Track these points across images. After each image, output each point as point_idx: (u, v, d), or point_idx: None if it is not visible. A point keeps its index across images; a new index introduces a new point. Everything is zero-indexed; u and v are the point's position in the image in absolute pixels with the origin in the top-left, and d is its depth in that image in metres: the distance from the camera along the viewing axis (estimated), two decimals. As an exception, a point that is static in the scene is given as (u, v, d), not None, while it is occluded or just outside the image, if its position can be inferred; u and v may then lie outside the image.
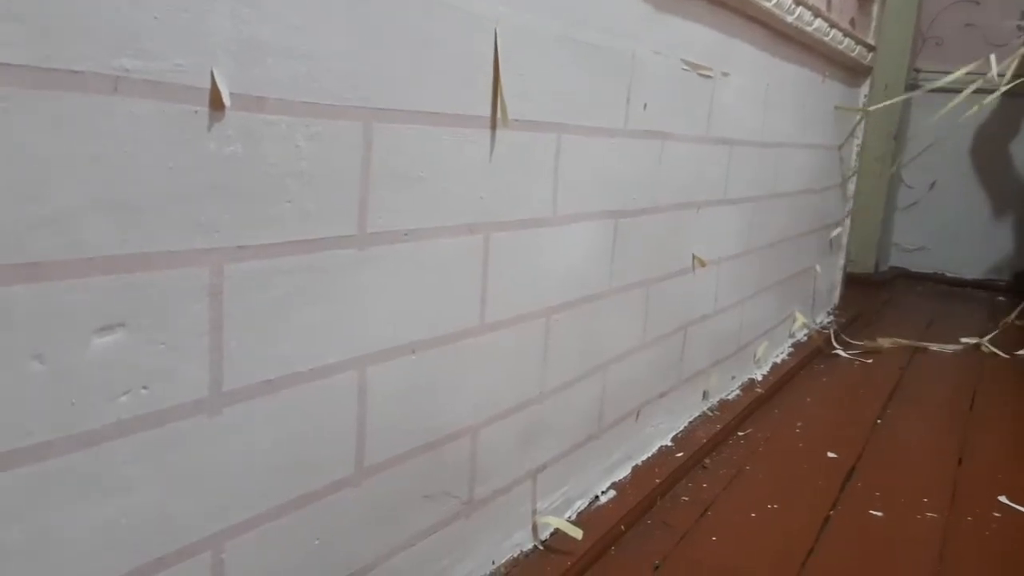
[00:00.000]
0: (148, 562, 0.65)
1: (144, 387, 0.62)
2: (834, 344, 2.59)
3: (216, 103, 0.63)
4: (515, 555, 1.21)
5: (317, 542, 0.83)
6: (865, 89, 2.82)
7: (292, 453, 0.78)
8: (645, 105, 1.32)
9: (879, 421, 1.98)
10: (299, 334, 0.76)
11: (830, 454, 1.75)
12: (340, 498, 0.85)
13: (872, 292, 2.86)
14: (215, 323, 0.67)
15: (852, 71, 2.61)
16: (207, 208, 0.65)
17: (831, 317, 2.91)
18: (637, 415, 1.54)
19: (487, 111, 0.95)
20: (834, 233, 2.80)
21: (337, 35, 0.74)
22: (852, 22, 2.42)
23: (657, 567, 1.26)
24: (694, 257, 1.64)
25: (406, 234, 0.87)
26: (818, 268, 2.66)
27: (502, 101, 0.96)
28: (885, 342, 2.64)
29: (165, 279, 0.62)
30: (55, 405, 0.56)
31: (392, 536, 0.94)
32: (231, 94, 0.64)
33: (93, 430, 0.59)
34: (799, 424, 1.93)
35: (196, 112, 0.62)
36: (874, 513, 1.48)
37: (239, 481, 0.72)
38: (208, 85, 0.63)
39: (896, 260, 4.10)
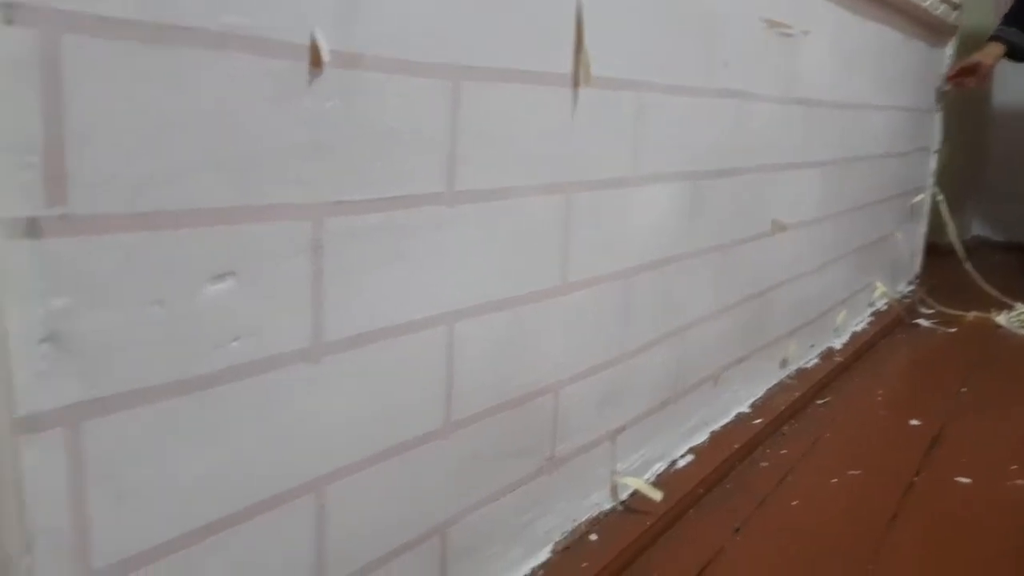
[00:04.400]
0: (257, 502, 0.68)
1: (252, 335, 0.65)
2: (916, 313, 2.52)
3: (315, 60, 0.65)
4: (595, 514, 1.22)
5: (409, 492, 0.86)
6: (949, 49, 2.72)
7: (386, 404, 0.80)
8: (726, 63, 1.30)
9: (964, 390, 1.93)
10: (392, 288, 0.78)
11: (913, 422, 1.71)
12: (430, 450, 0.88)
13: (954, 261, 2.77)
14: (316, 275, 0.70)
15: (936, 30, 2.52)
16: (307, 163, 0.67)
17: (912, 286, 2.83)
18: (715, 381, 1.54)
19: (569, 69, 0.96)
20: (915, 199, 2.72)
21: (426, -6, 0.76)
22: (937, -21, 2.33)
23: (737, 530, 1.26)
24: (773, 221, 1.62)
25: (492, 192, 0.88)
26: (899, 235, 2.59)
27: (584, 59, 0.96)
28: (968, 312, 2.56)
29: (270, 231, 0.65)
30: (174, 349, 0.59)
31: (478, 489, 0.97)
32: (330, 51, 0.66)
33: (207, 374, 0.62)
34: (880, 392, 1.90)
35: (296, 68, 0.64)
36: (960, 480, 1.45)
37: (338, 429, 0.75)
38: (308, 42, 0.65)
39: (979, 229, 3.96)
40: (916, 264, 2.94)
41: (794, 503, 1.35)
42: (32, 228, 0.50)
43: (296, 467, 0.72)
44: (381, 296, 0.77)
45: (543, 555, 1.10)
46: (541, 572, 1.08)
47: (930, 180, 2.86)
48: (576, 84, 0.97)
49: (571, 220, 1.02)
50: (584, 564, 1.09)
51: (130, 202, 0.55)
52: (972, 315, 2.53)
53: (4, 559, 0.48)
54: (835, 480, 1.44)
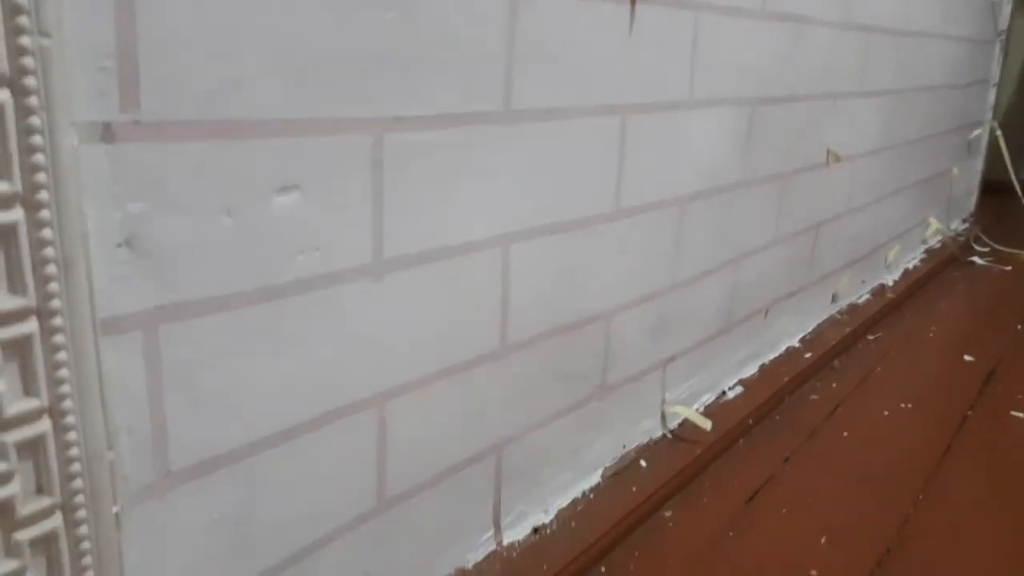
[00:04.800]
0: (322, 414, 0.70)
1: (317, 248, 0.66)
2: (970, 251, 2.47)
3: (377, -30, 0.65)
4: (644, 442, 1.23)
5: (465, 412, 0.87)
6: (1015, -24, 2.60)
7: (444, 324, 0.81)
8: (784, -14, 1.26)
9: (1020, 327, 1.89)
10: (450, 208, 0.78)
11: (967, 357, 1.69)
12: (486, 371, 0.89)
13: (1011, 199, 2.69)
14: (377, 191, 0.70)
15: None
16: (367, 77, 0.67)
17: (966, 224, 2.76)
18: (766, 313, 1.52)
19: (627, -12, 0.94)
20: (973, 134, 2.64)
21: (485, -95, 0.74)
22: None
23: (787, 460, 1.27)
24: (829, 151, 1.58)
25: (547, 111, 0.87)
26: (955, 171, 2.52)
27: (642, -23, 0.94)
28: (1026, 250, 2.50)
29: (332, 145, 0.65)
30: (243, 258, 0.60)
31: (531, 412, 0.98)
32: (391, -40, 0.65)
33: (275, 285, 0.63)
34: (933, 329, 1.87)
35: (359, -21, 0.64)
36: (1016, 414, 1.43)
37: (400, 346, 0.76)
38: (369, -48, 0.64)
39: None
40: (971, 201, 2.86)
41: (844, 435, 1.35)
42: (107, 133, 0.50)
43: (359, 382, 0.73)
44: (438, 215, 0.77)
45: (593, 479, 1.12)
46: (591, 495, 1.09)
47: (988, 115, 2.77)
48: (633, 1, 0.95)
49: (626, 143, 1.01)
50: (634, 489, 1.11)
51: (201, 110, 0.55)
52: (1029, 253, 2.48)
53: (92, 454, 0.50)
54: (886, 413, 1.43)
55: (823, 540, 1.05)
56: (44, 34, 0.44)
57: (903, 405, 1.46)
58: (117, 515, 0.52)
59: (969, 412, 1.44)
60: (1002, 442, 1.33)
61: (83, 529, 0.50)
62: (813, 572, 0.98)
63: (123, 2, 0.50)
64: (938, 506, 1.13)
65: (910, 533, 1.06)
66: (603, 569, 0.98)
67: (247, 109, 0.58)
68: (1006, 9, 2.63)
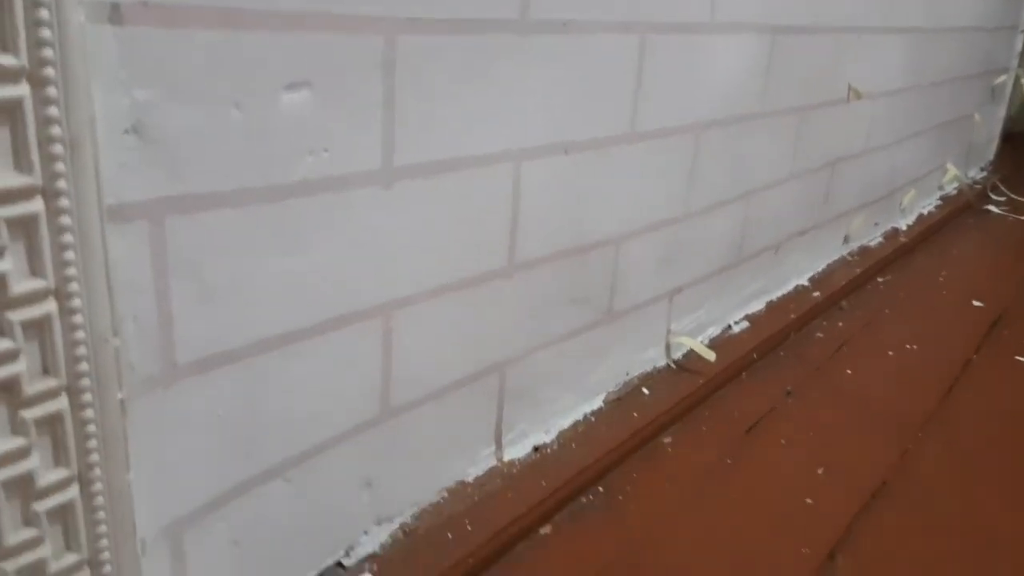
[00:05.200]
0: (328, 319, 0.70)
1: (326, 150, 0.65)
2: (986, 200, 2.44)
3: None
4: (648, 370, 1.24)
5: (471, 328, 0.87)
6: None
7: (454, 237, 0.81)
8: (815, -91, 1.22)
9: (1032, 276, 1.88)
10: (462, 119, 0.77)
11: (976, 303, 1.68)
12: (493, 288, 0.88)
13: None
14: (388, 95, 0.69)
15: None
16: (383, -25, 0.65)
17: (985, 172, 2.72)
18: (776, 250, 1.51)
19: (653, -101, 0.91)
20: (998, 80, 2.58)
21: None
22: None
23: (789, 393, 1.27)
24: (850, 87, 1.55)
25: (564, 24, 0.85)
26: (977, 117, 2.48)
27: None
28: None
29: (345, 44, 0.64)
30: (250, 154, 0.59)
31: (537, 332, 0.98)
32: None
33: (282, 184, 0.62)
34: (943, 274, 1.86)
35: None
36: (1020, 359, 1.43)
37: (407, 256, 0.76)
38: None
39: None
40: (991, 150, 2.82)
41: (848, 372, 1.35)
42: (115, 14, 0.49)
43: (366, 289, 0.73)
44: (451, 126, 0.76)
45: (595, 403, 1.13)
46: (593, 418, 1.10)
47: (1015, 62, 2.71)
48: (659, -85, 0.92)
49: (644, 64, 0.99)
50: (635, 414, 1.12)
51: (210, -3, 0.54)
52: (1046, 204, 2.45)
53: (98, 338, 0.50)
54: (891, 353, 1.43)
55: (820, 471, 1.06)
56: (49, -98, 0.42)
57: (909, 346, 1.46)
58: (122, 401, 0.53)
59: (974, 355, 1.44)
60: (1005, 385, 1.34)
61: (88, 412, 0.50)
62: (808, 501, 0.99)
63: None
64: (937, 443, 1.13)
65: (908, 468, 1.07)
66: (601, 489, 0.99)
67: (258, -1, 0.57)
68: (1042, -49, 2.55)
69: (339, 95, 0.65)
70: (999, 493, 1.03)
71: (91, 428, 0.51)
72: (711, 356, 1.27)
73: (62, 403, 0.49)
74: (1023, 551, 0.92)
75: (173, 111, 0.54)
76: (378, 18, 0.66)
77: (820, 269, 1.72)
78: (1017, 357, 1.44)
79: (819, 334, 1.50)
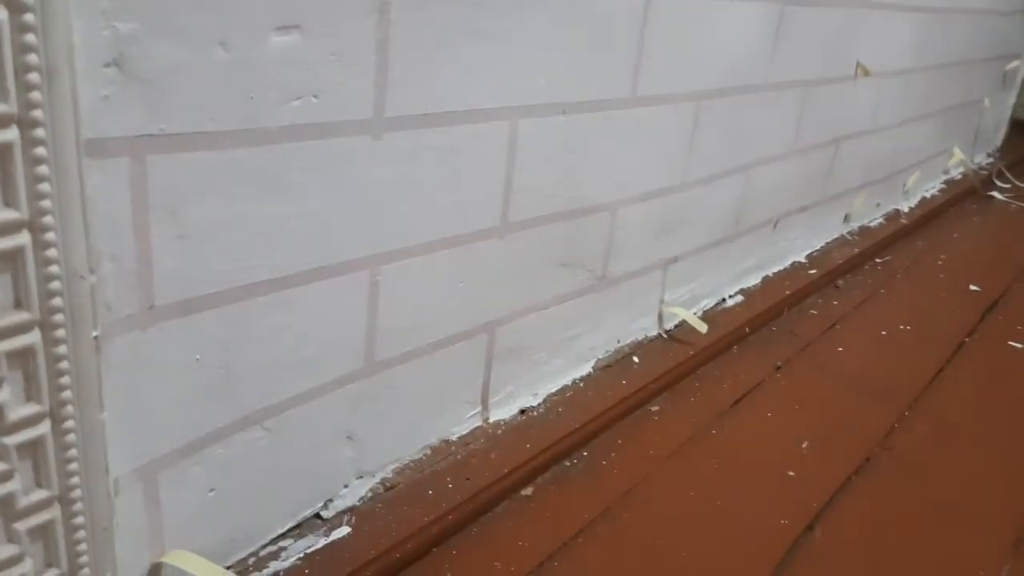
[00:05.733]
0: (312, 268, 0.69)
1: (315, 96, 0.64)
2: (991, 186, 2.42)
3: None
4: (639, 338, 1.23)
5: (461, 286, 0.86)
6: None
7: (445, 193, 0.80)
8: None
9: (1031, 263, 1.86)
10: (458, 71, 0.76)
11: (972, 287, 1.67)
12: (485, 247, 0.88)
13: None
14: (381, 43, 0.67)
15: None
16: (380, -82, 0.64)
17: (991, 158, 2.70)
18: (775, 225, 1.50)
19: None
20: (1010, 66, 2.55)
21: None
22: None
23: (778, 368, 1.27)
24: (858, 64, 1.53)
25: (568, -17, 0.84)
26: (986, 102, 2.45)
27: None
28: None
29: (338, -13, 0.62)
30: (236, 96, 0.58)
31: (528, 295, 0.97)
32: None
33: (268, 128, 0.61)
34: (942, 257, 1.85)
35: None
36: (1014, 344, 1.43)
37: (397, 211, 0.75)
38: None
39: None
40: (999, 136, 2.79)
41: (839, 349, 1.35)
42: (98, -59, 0.48)
43: (354, 240, 0.72)
44: (447, 77, 0.75)
45: (584, 369, 1.12)
46: (581, 384, 1.10)
47: (1030, 47, 2.68)
48: None
49: (648, 26, 0.97)
50: (623, 382, 1.11)
51: (197, -70, 0.53)
52: (1051, 192, 2.43)
53: (72, 273, 0.49)
54: (884, 333, 1.43)
55: (805, 445, 1.06)
56: None
57: (902, 327, 1.45)
58: (97, 339, 0.52)
59: (967, 339, 1.43)
60: (996, 369, 1.33)
61: (61, 348, 0.50)
62: (791, 473, 0.99)
63: None
64: (923, 423, 1.13)
65: (891, 445, 1.07)
66: (585, 453, 0.99)
67: (248, -65, 0.55)
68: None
69: (331, 40, 0.64)
70: (981, 474, 1.03)
71: (64, 364, 0.50)
72: (703, 328, 1.27)
73: (34, 337, 0.49)
74: (1002, 531, 0.92)
75: (156, 46, 0.53)
76: (373, -38, 0.65)
77: (819, 247, 1.71)
78: (1011, 342, 1.43)
79: (813, 311, 1.49)
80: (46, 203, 0.47)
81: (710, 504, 0.92)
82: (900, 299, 1.59)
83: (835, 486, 0.97)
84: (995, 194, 2.39)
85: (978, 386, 1.27)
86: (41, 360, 0.50)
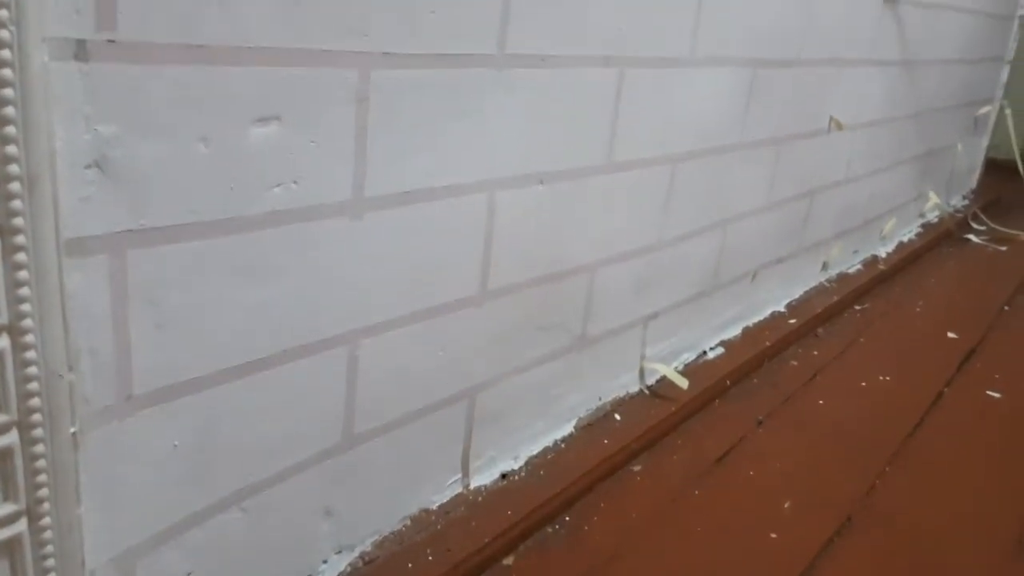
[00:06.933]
0: (292, 348, 0.70)
1: (294, 182, 0.65)
2: (967, 228, 2.46)
3: (371, -102, 0.63)
4: (621, 395, 1.24)
5: (440, 355, 0.87)
6: (1041, -50, 2.55)
7: (424, 266, 0.81)
8: (799, -55, 1.23)
9: (1006, 308, 1.89)
10: (436, 150, 0.77)
11: (950, 334, 1.69)
12: (464, 316, 0.88)
13: (1014, 179, 2.68)
14: (360, 128, 0.69)
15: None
16: (360, 10, 0.65)
17: (967, 201, 2.75)
18: (753, 277, 1.52)
19: (635, -65, 0.91)
20: (981, 111, 2.61)
21: None
22: None
23: (760, 422, 1.28)
24: (831, 119, 1.56)
25: (543, 59, 0.86)
26: (960, 147, 2.50)
27: (651, -75, 0.92)
28: (1022, 232, 2.48)
29: (318, 77, 0.64)
30: (217, 187, 0.59)
31: (509, 359, 0.98)
32: None
33: (249, 216, 0.62)
34: (920, 303, 1.87)
35: (352, -94, 0.62)
36: (991, 394, 1.44)
37: (376, 286, 0.76)
38: None
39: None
40: (973, 178, 2.85)
41: (820, 401, 1.36)
42: (80, 51, 0.49)
43: (332, 318, 0.73)
44: (426, 156, 0.77)
45: (566, 429, 1.13)
46: (563, 445, 1.10)
47: (999, 92, 2.74)
48: (640, -49, 0.92)
49: (622, 97, 0.99)
50: (606, 441, 1.12)
51: (181, 32, 0.54)
52: (1025, 234, 2.47)
53: (51, 373, 0.50)
54: (864, 384, 1.44)
55: (787, 505, 1.06)
56: (13, -58, 0.42)
57: (881, 377, 1.47)
58: (75, 435, 0.53)
59: (945, 389, 1.45)
60: (974, 420, 1.35)
61: (39, 448, 0.50)
62: (773, 535, 1.00)
63: (100, -86, 0.48)
64: (904, 479, 1.14)
65: (873, 503, 1.08)
66: (567, 518, 0.99)
67: (230, 34, 0.57)
68: (1029, -16, 2.58)
69: (311, 128, 0.65)
70: (961, 530, 1.04)
71: (41, 463, 0.51)
72: (684, 383, 1.28)
73: (12, 438, 0.49)
74: (981, 593, 0.93)
75: (138, 146, 0.54)
76: (352, 53, 0.66)
77: (797, 296, 1.73)
78: (988, 392, 1.45)
79: (793, 362, 1.51)
80: (26, 307, 0.48)
81: (694, 570, 0.92)
82: (879, 348, 1.61)
83: (816, 548, 0.98)
84: (971, 237, 2.43)
85: (957, 438, 1.28)
86: (19, 460, 0.50)
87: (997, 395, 1.44)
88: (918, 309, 1.84)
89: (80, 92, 0.50)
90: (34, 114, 0.45)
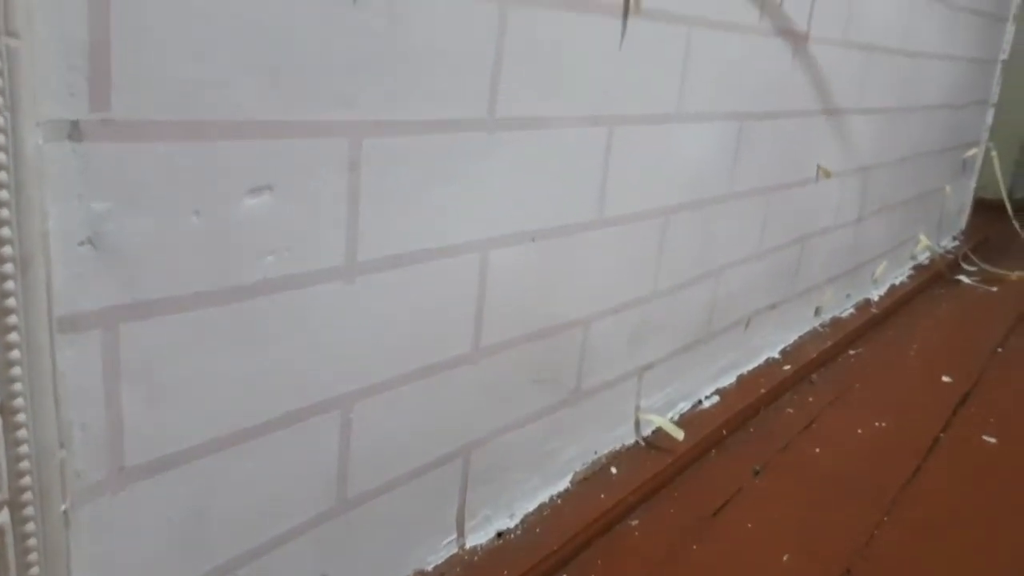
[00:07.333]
0: (285, 413, 0.70)
1: (287, 249, 0.66)
2: (958, 269, 2.47)
3: (361, -26, 0.64)
4: (616, 448, 1.23)
5: (434, 414, 0.87)
6: (1020, -3, 2.60)
7: (416, 326, 0.81)
8: (781, 1, 1.26)
9: (999, 350, 1.90)
10: (428, 212, 0.78)
11: (945, 378, 1.70)
12: (457, 374, 0.89)
13: (1003, 218, 2.70)
14: (353, 195, 0.70)
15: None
16: (351, 81, 0.66)
17: (957, 242, 2.77)
18: (747, 324, 1.53)
19: (620, -2, 0.93)
20: (968, 154, 2.64)
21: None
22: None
23: (757, 472, 1.27)
24: (819, 167, 1.58)
25: (532, 121, 0.87)
26: (948, 189, 2.53)
27: (636, -12, 0.94)
28: (1012, 272, 2.50)
29: (310, 147, 0.65)
30: (209, 258, 0.60)
31: (504, 415, 0.98)
32: (376, -35, 0.65)
33: (242, 286, 0.63)
34: (914, 347, 1.88)
35: (342, -18, 0.63)
36: (987, 439, 1.44)
37: (369, 348, 0.76)
38: (354, -45, 0.64)
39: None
40: (963, 219, 2.87)
41: (817, 450, 1.36)
42: (74, 131, 0.50)
43: (325, 382, 0.73)
44: (418, 219, 0.77)
45: (562, 484, 1.12)
46: (559, 501, 1.10)
47: (985, 135, 2.77)
48: (626, 14, 0.94)
49: (612, 154, 1.01)
50: (602, 496, 1.11)
51: (173, 109, 0.55)
52: (1016, 275, 2.47)
53: (42, 452, 0.50)
54: (860, 431, 1.44)
55: (785, 558, 1.05)
56: (12, 35, 0.43)
57: (877, 424, 1.47)
58: (66, 512, 0.52)
59: (941, 434, 1.44)
60: (971, 467, 1.34)
61: (30, 526, 0.50)
62: (772, 590, 0.99)
63: None
64: (902, 528, 1.14)
65: (872, 554, 1.07)
66: (564, 576, 0.98)
67: (221, 109, 0.58)
68: (1010, 29, 2.63)
69: (303, 196, 0.66)
70: (962, 583, 1.03)
71: (32, 542, 0.50)
72: (679, 435, 1.28)
73: (3, 518, 0.49)
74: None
75: (130, 221, 0.54)
76: (344, 122, 0.67)
77: (791, 341, 1.73)
78: (984, 437, 1.45)
79: (789, 409, 1.50)
80: (17, 386, 0.48)
81: (691, 627, 0.91)
82: (874, 393, 1.61)
83: (816, 603, 0.97)
84: (962, 278, 2.44)
85: (955, 485, 1.27)
86: (9, 539, 0.50)
87: (993, 440, 1.44)
88: (912, 353, 1.84)
89: (74, 171, 0.50)
90: (28, 196, 0.46)
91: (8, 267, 0.46)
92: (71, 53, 0.49)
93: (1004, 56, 2.66)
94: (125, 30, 0.51)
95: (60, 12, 0.48)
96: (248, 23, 0.58)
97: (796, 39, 1.35)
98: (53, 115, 0.49)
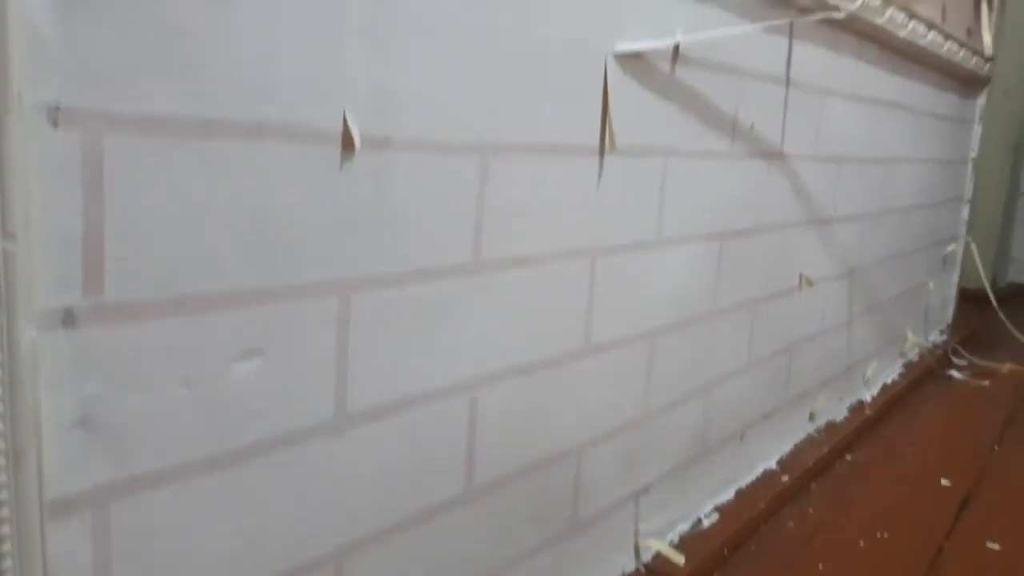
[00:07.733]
0: (277, 572, 0.69)
1: (277, 410, 0.66)
2: (948, 364, 2.49)
3: (347, 143, 0.67)
4: (617, 576, 1.21)
5: (432, 557, 0.86)
6: (982, 100, 2.70)
7: (408, 472, 0.81)
8: (752, 125, 1.31)
9: (996, 448, 1.89)
10: (416, 358, 0.79)
11: (943, 481, 1.68)
12: (452, 516, 0.88)
13: (988, 308, 2.73)
14: (341, 349, 0.71)
15: (968, 82, 2.51)
16: (337, 243, 0.69)
17: (944, 336, 2.79)
18: (741, 437, 1.52)
19: (595, 140, 0.97)
20: (948, 249, 2.69)
21: (457, 76, 0.77)
22: (968, 32, 2.33)
23: (761, 593, 1.25)
24: (801, 276, 1.61)
25: (516, 260, 0.89)
26: (931, 285, 2.57)
27: (610, 129, 0.98)
28: (1003, 364, 2.52)
29: (298, 309, 0.66)
30: (199, 427, 0.61)
31: (501, 553, 0.97)
32: (360, 135, 0.68)
33: (232, 450, 0.63)
34: (910, 449, 1.87)
35: (329, 153, 0.66)
36: (991, 546, 1.42)
37: (360, 498, 0.76)
38: (340, 129, 0.67)
39: (1016, 275, 3.90)
40: (948, 313, 2.90)
41: (820, 567, 1.33)
42: (68, 318, 0.51)
43: (318, 538, 0.72)
44: (406, 366, 0.78)
45: (563, 619, 1.10)
46: (561, 636, 1.07)
47: (963, 230, 2.84)
48: (602, 153, 0.98)
49: (595, 284, 1.03)
50: (605, 628, 1.09)
51: (163, 287, 0.57)
52: (1007, 367, 2.48)
53: (30, 643, 0.49)
54: (862, 543, 1.42)
55: None
56: (9, 237, 0.45)
57: (879, 534, 1.45)
58: None
59: (945, 542, 1.43)
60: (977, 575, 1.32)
61: None
62: None
63: (91, 194, 0.51)
64: (913, 650, 1.11)
65: None
66: None
67: (210, 282, 0.60)
68: (976, 129, 2.72)
69: (292, 357, 0.67)
70: None
71: None
72: (680, 560, 1.25)
73: None
74: None
75: (121, 399, 0.55)
76: (332, 281, 0.69)
77: (787, 450, 1.72)
78: (988, 544, 1.43)
79: (790, 523, 1.49)
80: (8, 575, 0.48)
81: None
82: (874, 501, 1.59)
83: None
84: (953, 373, 2.45)
85: (962, 599, 1.25)
86: None
87: (996, 546, 1.42)
88: (909, 455, 1.83)
89: (66, 358, 0.51)
90: (20, 392, 0.47)
91: (0, 460, 0.46)
92: (67, 246, 0.51)
93: (973, 154, 2.75)
94: (118, 218, 0.53)
95: (56, 208, 0.50)
96: (235, 199, 0.60)
97: (769, 158, 1.39)
98: (48, 305, 0.50)
